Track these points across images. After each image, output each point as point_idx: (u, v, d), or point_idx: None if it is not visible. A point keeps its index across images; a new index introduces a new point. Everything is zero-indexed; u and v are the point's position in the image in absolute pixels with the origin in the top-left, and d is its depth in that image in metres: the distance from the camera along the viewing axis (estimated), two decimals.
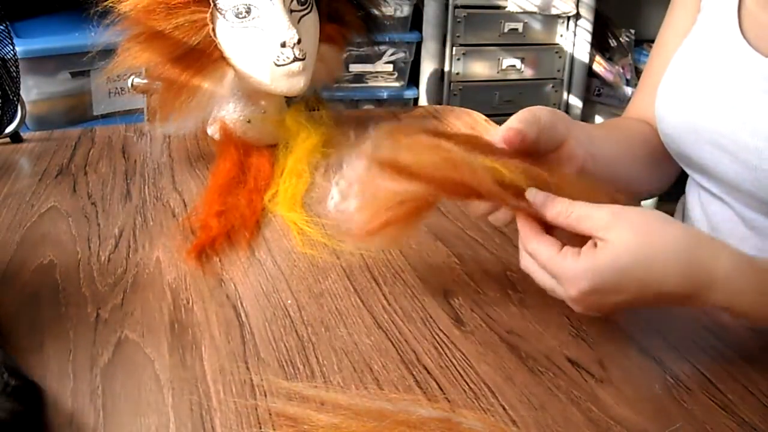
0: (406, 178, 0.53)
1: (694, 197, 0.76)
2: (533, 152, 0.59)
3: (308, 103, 0.94)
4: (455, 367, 0.51)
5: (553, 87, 2.33)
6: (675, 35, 0.76)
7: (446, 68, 2.17)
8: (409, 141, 0.55)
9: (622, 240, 0.49)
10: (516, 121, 0.58)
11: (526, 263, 0.55)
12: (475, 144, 0.56)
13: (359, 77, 2.12)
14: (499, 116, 1.51)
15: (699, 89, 0.69)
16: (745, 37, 0.66)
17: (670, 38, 0.77)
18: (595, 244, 0.50)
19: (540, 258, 0.53)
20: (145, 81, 0.86)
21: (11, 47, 0.82)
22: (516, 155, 0.56)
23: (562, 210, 0.51)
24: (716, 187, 0.71)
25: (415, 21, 2.11)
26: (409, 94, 2.16)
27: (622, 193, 0.57)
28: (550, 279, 0.52)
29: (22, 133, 0.91)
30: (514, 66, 2.25)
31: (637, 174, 0.75)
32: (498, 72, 2.24)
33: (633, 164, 0.74)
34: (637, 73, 2.54)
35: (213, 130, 0.90)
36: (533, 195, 0.53)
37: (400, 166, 0.53)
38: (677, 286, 0.49)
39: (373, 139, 0.57)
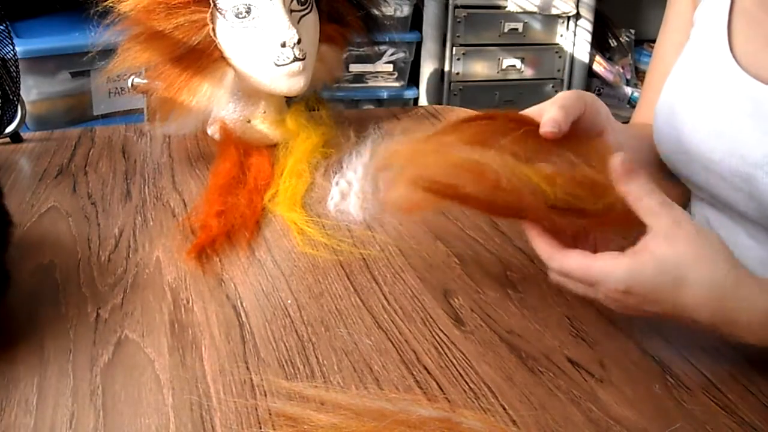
0: (445, 198, 0.53)
1: (697, 206, 0.76)
2: (576, 132, 0.57)
3: (308, 103, 0.94)
4: (455, 367, 0.51)
5: (553, 87, 2.33)
6: (671, 46, 0.76)
7: (446, 68, 2.17)
8: (442, 152, 0.54)
9: (673, 254, 0.48)
10: (558, 106, 0.56)
11: (556, 278, 0.54)
12: (517, 140, 0.54)
13: (359, 77, 2.12)
14: None
15: (690, 112, 0.68)
16: (734, 57, 0.65)
17: (667, 51, 0.77)
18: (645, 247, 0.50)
19: (573, 270, 0.52)
20: (145, 81, 0.86)
21: (11, 47, 0.82)
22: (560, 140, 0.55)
23: (635, 192, 0.50)
24: (712, 209, 0.71)
25: (415, 21, 2.11)
26: (409, 94, 2.16)
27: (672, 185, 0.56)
28: (585, 288, 0.52)
29: (22, 133, 0.91)
30: (514, 66, 2.25)
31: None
32: (498, 72, 2.24)
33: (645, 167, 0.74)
34: (637, 73, 2.54)
35: (213, 130, 0.90)
36: (619, 161, 0.51)
37: (439, 187, 0.53)
38: (706, 318, 0.49)
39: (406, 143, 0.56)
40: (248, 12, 0.79)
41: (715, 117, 0.65)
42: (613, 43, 2.47)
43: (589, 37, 2.29)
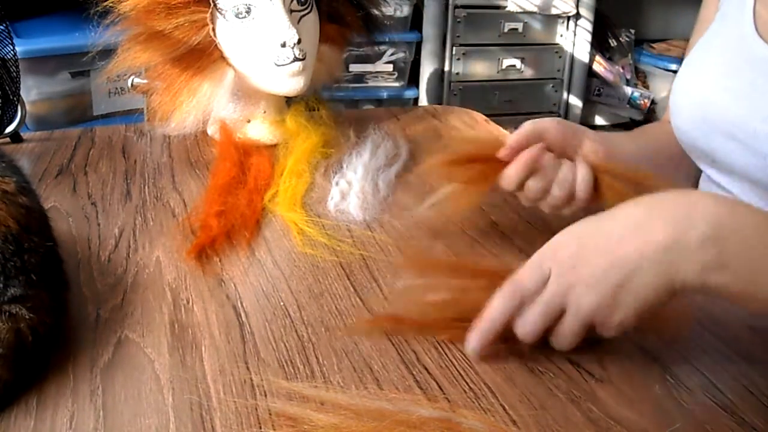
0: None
1: (705, 188, 0.77)
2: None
3: (308, 103, 0.94)
4: (455, 367, 0.51)
5: (553, 87, 2.33)
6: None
7: (446, 68, 2.17)
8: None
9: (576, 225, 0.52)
10: (517, 138, 0.65)
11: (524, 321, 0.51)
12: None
13: (359, 77, 2.12)
14: (499, 116, 1.51)
15: (712, 81, 0.70)
16: (758, 32, 0.67)
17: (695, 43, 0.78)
18: None
19: (522, 272, 0.52)
20: (145, 81, 0.86)
21: (11, 47, 0.82)
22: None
23: None
24: (727, 180, 0.72)
25: (415, 21, 2.11)
26: (409, 94, 2.16)
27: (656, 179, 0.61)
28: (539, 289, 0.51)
29: (22, 133, 0.91)
30: (514, 66, 2.25)
31: (660, 172, 0.76)
32: (498, 72, 2.24)
33: (656, 164, 0.76)
34: (637, 73, 2.54)
35: (213, 130, 0.90)
36: None
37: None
38: (658, 231, 0.47)
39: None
40: (248, 12, 0.79)
41: (737, 84, 0.67)
42: (613, 43, 2.47)
43: (589, 37, 2.29)
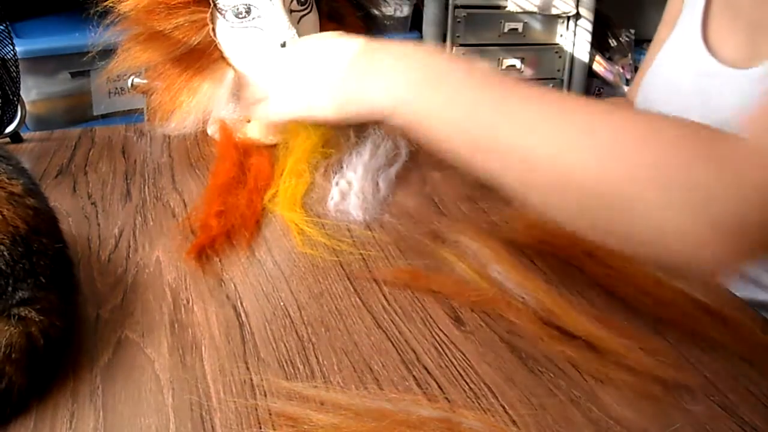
0: None
1: None
2: None
3: None
4: (455, 367, 0.51)
5: (553, 87, 2.33)
6: (660, 41, 0.78)
7: None
8: None
9: None
10: None
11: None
12: None
13: None
14: None
15: (666, 95, 0.71)
16: (707, 45, 0.67)
17: (656, 43, 0.79)
18: None
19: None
20: (145, 81, 0.86)
21: (11, 47, 0.82)
22: None
23: None
24: None
25: (415, 21, 2.11)
26: None
27: None
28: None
29: (22, 133, 0.91)
30: (514, 66, 2.25)
31: None
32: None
33: None
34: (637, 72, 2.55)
35: (213, 130, 0.90)
36: None
37: None
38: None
39: None
40: (248, 12, 0.79)
41: (689, 97, 0.67)
42: (613, 43, 2.47)
43: (589, 37, 2.29)
